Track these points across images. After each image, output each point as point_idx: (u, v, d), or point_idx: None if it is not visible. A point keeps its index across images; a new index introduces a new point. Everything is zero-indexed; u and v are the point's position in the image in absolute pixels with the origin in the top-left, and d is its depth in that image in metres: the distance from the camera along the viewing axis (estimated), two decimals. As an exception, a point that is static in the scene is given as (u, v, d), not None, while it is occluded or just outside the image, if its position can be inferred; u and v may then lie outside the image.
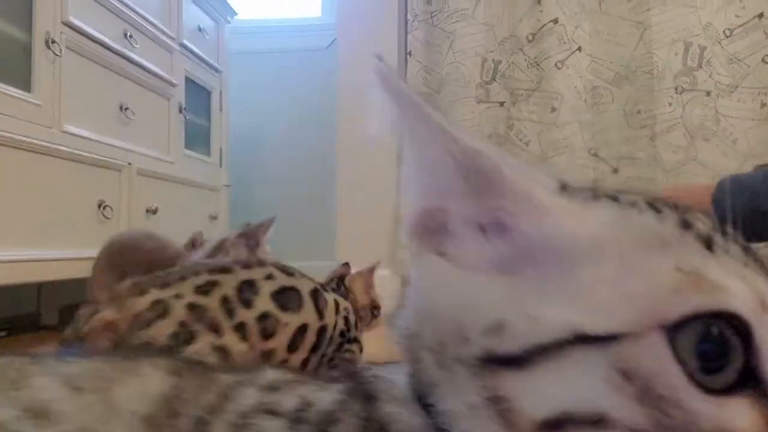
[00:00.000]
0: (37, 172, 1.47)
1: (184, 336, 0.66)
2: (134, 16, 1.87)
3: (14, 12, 1.45)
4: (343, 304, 0.85)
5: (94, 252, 1.67)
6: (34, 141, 1.44)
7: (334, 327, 0.80)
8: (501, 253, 0.24)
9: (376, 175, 2.46)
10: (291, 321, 0.74)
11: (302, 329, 0.75)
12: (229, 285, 0.71)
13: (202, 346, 0.66)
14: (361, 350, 0.87)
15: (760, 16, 2.13)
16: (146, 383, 0.27)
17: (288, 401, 0.27)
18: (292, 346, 0.74)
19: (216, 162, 2.54)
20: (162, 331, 0.66)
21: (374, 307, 0.96)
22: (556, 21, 2.24)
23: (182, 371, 0.29)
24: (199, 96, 2.40)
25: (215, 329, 0.68)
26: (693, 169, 2.15)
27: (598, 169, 2.23)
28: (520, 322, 0.22)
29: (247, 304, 0.71)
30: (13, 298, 1.89)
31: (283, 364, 0.72)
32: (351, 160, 2.47)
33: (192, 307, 0.68)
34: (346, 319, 0.83)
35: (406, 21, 2.42)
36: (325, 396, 0.27)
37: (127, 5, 1.83)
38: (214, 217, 2.47)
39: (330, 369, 0.80)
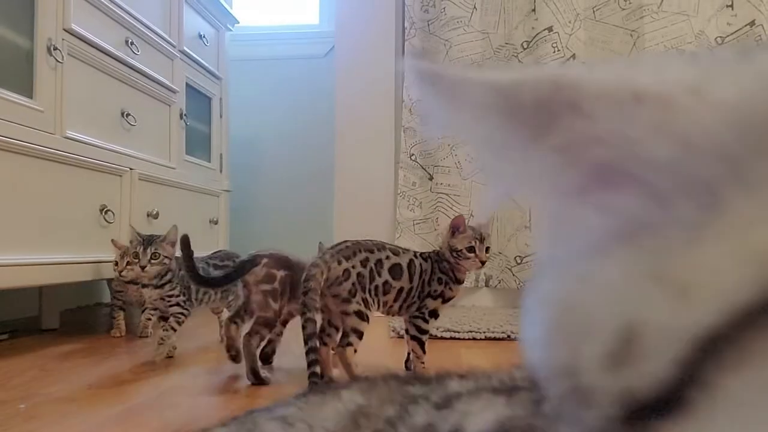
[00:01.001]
0: (39, 177, 1.49)
1: (353, 292, 1.12)
2: (135, 24, 1.90)
3: (16, 19, 1.47)
4: (424, 266, 1.22)
5: (95, 256, 1.69)
6: (37, 146, 1.46)
7: (417, 287, 1.21)
8: (612, 212, 0.15)
9: (374, 181, 2.49)
10: (396, 285, 1.18)
11: (401, 290, 1.19)
12: (372, 261, 1.16)
13: (358, 298, 1.12)
14: (442, 301, 1.23)
15: (752, 24, 2.16)
16: (339, 405, 0.33)
17: (444, 424, 0.27)
18: (395, 300, 1.19)
19: (216, 167, 2.56)
20: (345, 288, 1.12)
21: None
22: (550, 29, 2.28)
23: (371, 389, 0.34)
24: (199, 102, 2.43)
25: (364, 289, 1.14)
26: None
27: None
28: (660, 315, 0.13)
29: (379, 274, 1.16)
30: (14, 302, 1.91)
31: (389, 309, 1.20)
32: (349, 165, 2.50)
33: (359, 274, 1.14)
34: (423, 280, 1.21)
35: (404, 29, 2.45)
36: (479, 421, 0.26)
37: (128, 12, 1.86)
38: (214, 222, 2.49)
39: (412, 313, 1.22)
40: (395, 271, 1.18)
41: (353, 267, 1.13)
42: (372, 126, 2.45)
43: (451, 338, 1.65)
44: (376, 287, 1.16)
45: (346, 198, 2.47)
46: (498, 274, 2.33)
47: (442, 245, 1.26)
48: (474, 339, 1.65)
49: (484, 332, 1.67)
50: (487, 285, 2.34)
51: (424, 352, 1.20)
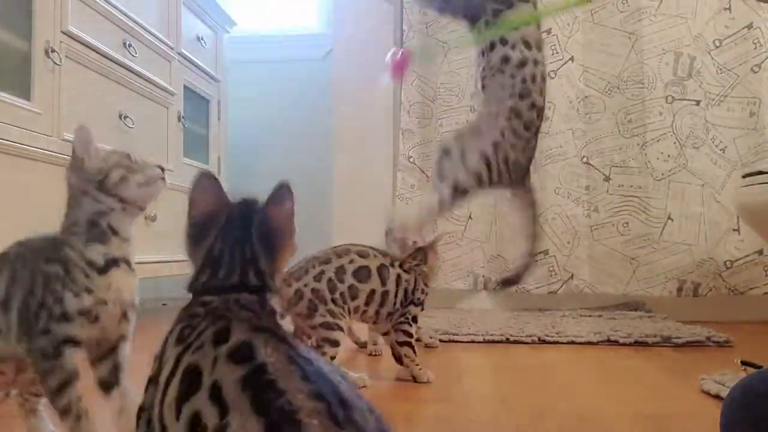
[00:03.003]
0: (37, 179, 1.48)
1: (312, 307, 1.12)
2: (134, 26, 1.89)
3: (14, 21, 1.47)
4: (405, 277, 1.21)
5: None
6: (34, 149, 1.46)
7: (395, 293, 1.19)
8: None
9: (372, 183, 2.49)
10: (363, 288, 1.17)
11: (372, 293, 1.17)
12: (330, 272, 1.15)
13: (322, 311, 1.12)
14: (421, 309, 1.24)
15: (749, 26, 2.17)
16: None
17: None
18: (367, 303, 1.18)
19: (214, 170, 2.56)
20: (303, 306, 1.13)
21: None
22: (549, 31, 2.28)
23: None
24: (197, 105, 2.43)
25: (325, 301, 1.13)
26: (683, 177, 2.18)
27: (590, 177, 2.26)
28: None
29: (342, 281, 1.15)
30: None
31: (363, 314, 1.18)
32: (348, 167, 2.49)
33: (313, 290, 1.13)
34: (405, 290, 1.20)
35: (402, 31, 2.45)
36: None
37: (126, 15, 1.85)
38: (211, 225, 2.48)
39: (396, 320, 1.21)
40: (361, 274, 1.16)
41: (305, 285, 1.13)
42: (370, 128, 2.45)
43: (450, 341, 1.64)
44: (342, 294, 1.14)
45: (345, 200, 2.46)
46: (496, 277, 2.32)
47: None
48: (473, 342, 1.64)
49: (483, 335, 1.67)
50: (485, 288, 2.34)
51: (416, 354, 1.21)
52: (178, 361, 0.41)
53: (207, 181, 0.53)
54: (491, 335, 1.66)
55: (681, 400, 1.06)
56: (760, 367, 1.17)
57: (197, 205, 0.53)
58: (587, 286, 2.20)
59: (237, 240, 0.51)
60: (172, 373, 0.40)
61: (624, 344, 1.61)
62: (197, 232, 0.52)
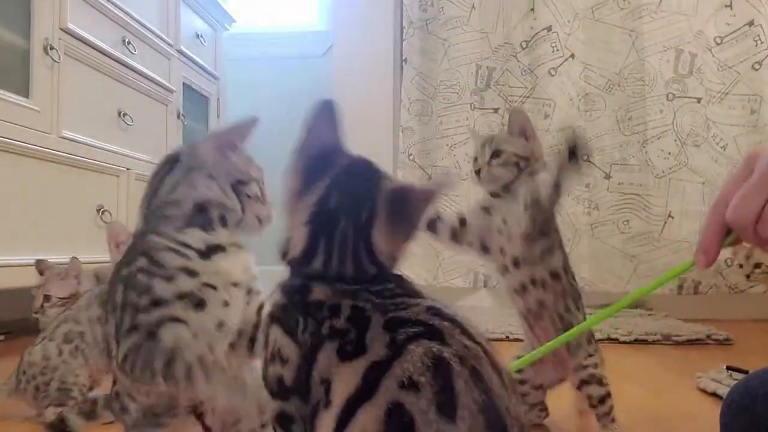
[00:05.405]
0: (36, 177, 1.48)
1: None
2: (132, 23, 1.89)
3: (13, 18, 1.46)
4: None
5: (92, 256, 1.68)
6: (33, 146, 1.45)
7: None
8: None
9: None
10: None
11: None
12: None
13: None
14: None
15: (751, 24, 2.16)
16: None
17: None
18: None
19: (213, 167, 2.55)
20: None
21: None
22: (549, 29, 2.27)
23: None
24: (196, 102, 2.42)
25: None
26: (683, 175, 2.17)
27: (591, 175, 2.25)
28: None
29: None
30: (10, 303, 1.90)
31: None
32: (347, 165, 2.48)
33: None
34: None
35: (402, 28, 2.44)
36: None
37: (125, 12, 1.85)
38: (211, 222, 2.48)
39: None
40: None
41: None
42: (370, 125, 2.44)
43: (450, 339, 1.64)
44: None
45: (344, 198, 2.46)
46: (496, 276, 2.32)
47: None
48: (473, 340, 1.64)
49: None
50: (485, 286, 2.34)
51: None
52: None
53: (329, 113, 0.39)
54: (491, 333, 1.66)
55: (681, 399, 1.06)
56: (746, 371, 1.15)
57: (314, 140, 0.39)
58: (587, 283, 2.20)
59: (355, 201, 0.39)
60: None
61: (624, 342, 1.61)
62: (309, 175, 0.39)
